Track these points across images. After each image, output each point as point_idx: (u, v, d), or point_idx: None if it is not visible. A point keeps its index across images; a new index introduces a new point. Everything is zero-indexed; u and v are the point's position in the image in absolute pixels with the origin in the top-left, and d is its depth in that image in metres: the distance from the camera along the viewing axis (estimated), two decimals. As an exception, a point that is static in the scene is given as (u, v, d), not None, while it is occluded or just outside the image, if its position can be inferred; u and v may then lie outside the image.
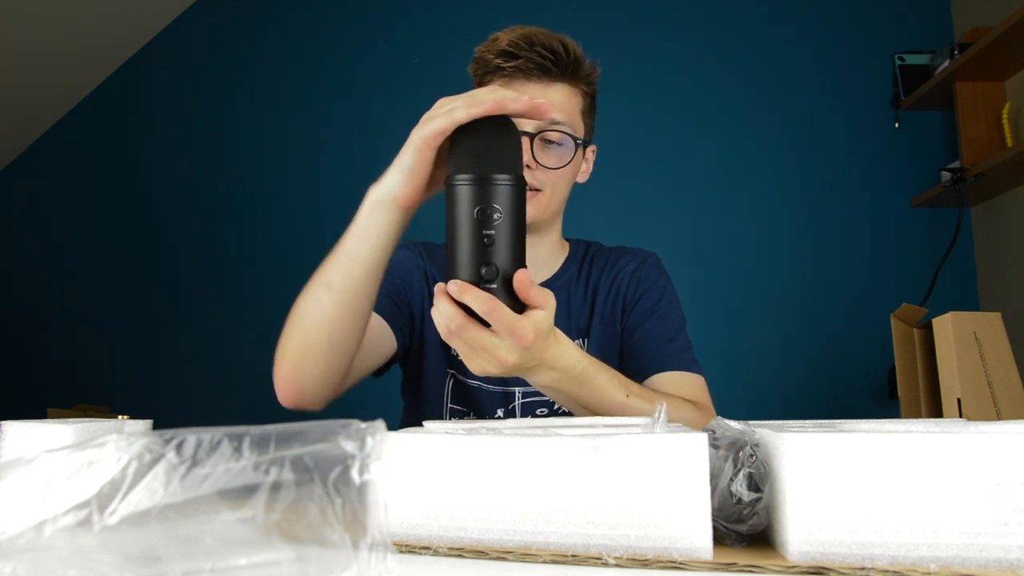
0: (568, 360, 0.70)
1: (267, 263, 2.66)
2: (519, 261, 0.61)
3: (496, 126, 0.63)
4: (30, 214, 2.98)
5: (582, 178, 1.06)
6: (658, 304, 1.02)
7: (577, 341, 1.03)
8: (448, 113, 0.62)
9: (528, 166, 0.93)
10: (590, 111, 1.02)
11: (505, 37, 0.95)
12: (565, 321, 1.04)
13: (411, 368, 1.06)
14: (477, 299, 0.58)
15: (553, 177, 0.95)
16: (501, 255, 0.59)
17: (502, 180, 0.60)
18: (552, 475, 0.46)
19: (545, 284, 1.05)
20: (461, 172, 0.61)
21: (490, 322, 0.59)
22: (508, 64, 0.93)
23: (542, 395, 1.00)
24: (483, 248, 0.59)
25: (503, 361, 0.62)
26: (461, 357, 0.64)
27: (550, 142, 0.95)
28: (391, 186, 0.69)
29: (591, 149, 1.06)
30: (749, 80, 2.37)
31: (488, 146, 0.62)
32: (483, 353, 0.62)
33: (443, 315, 0.60)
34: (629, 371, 1.00)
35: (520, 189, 0.61)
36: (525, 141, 0.92)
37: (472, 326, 0.60)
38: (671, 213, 2.35)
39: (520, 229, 0.61)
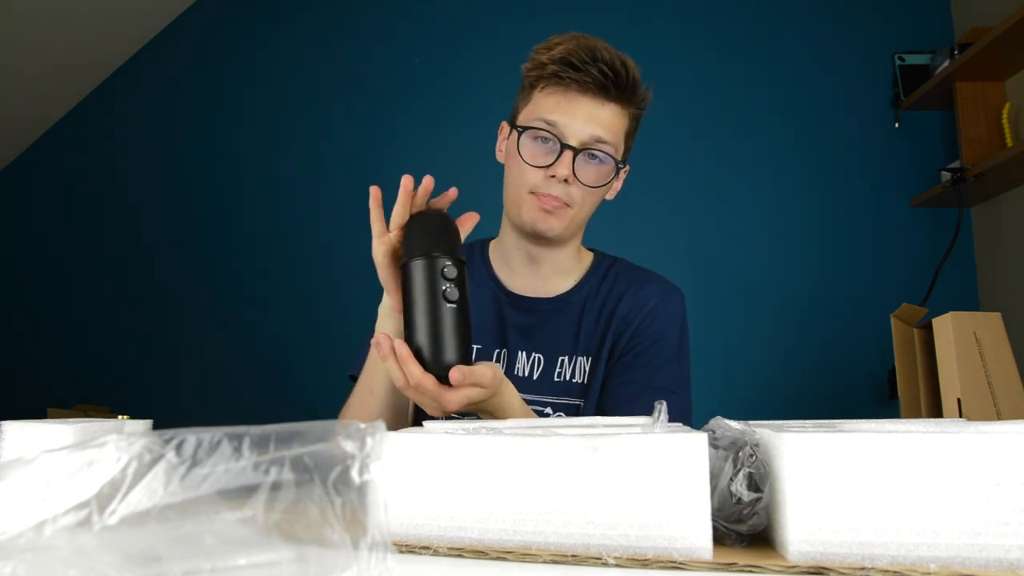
0: (510, 413, 0.82)
1: (267, 263, 2.66)
2: (460, 346, 0.74)
3: (433, 220, 0.79)
4: (30, 214, 2.98)
5: (610, 195, 1.05)
6: (655, 354, 1.01)
7: (581, 358, 1.02)
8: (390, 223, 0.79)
9: (566, 180, 0.93)
10: (632, 134, 1.01)
11: (565, 44, 0.94)
12: (573, 337, 1.03)
13: None
14: (425, 392, 0.74)
15: (586, 194, 0.95)
16: (448, 338, 0.74)
17: (447, 262, 0.75)
18: (552, 475, 0.46)
19: (562, 297, 1.06)
20: (411, 256, 0.75)
21: (439, 403, 0.75)
22: (567, 75, 0.92)
23: (543, 404, 1.01)
24: (432, 333, 0.74)
25: (446, 412, 0.77)
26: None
27: (593, 158, 0.94)
28: (385, 301, 0.86)
29: (624, 169, 1.05)
30: (749, 80, 2.37)
31: (430, 233, 0.77)
32: (431, 404, 0.76)
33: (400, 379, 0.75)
34: (598, 401, 1.01)
35: (461, 271, 0.75)
36: (567, 157, 0.92)
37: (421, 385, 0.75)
38: (671, 213, 2.35)
39: (462, 310, 0.75)
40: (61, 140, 2.95)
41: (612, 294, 1.05)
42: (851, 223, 2.25)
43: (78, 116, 2.94)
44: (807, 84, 2.33)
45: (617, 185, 1.05)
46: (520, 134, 0.96)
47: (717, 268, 2.29)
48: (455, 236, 0.79)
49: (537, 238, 0.99)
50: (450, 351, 0.74)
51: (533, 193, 0.95)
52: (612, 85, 0.92)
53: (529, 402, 1.01)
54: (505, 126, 1.04)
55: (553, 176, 0.93)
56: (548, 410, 1.01)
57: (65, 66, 2.74)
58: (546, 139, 0.94)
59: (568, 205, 0.95)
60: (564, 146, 0.92)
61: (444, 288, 0.74)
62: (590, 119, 0.92)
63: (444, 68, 2.59)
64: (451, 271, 0.75)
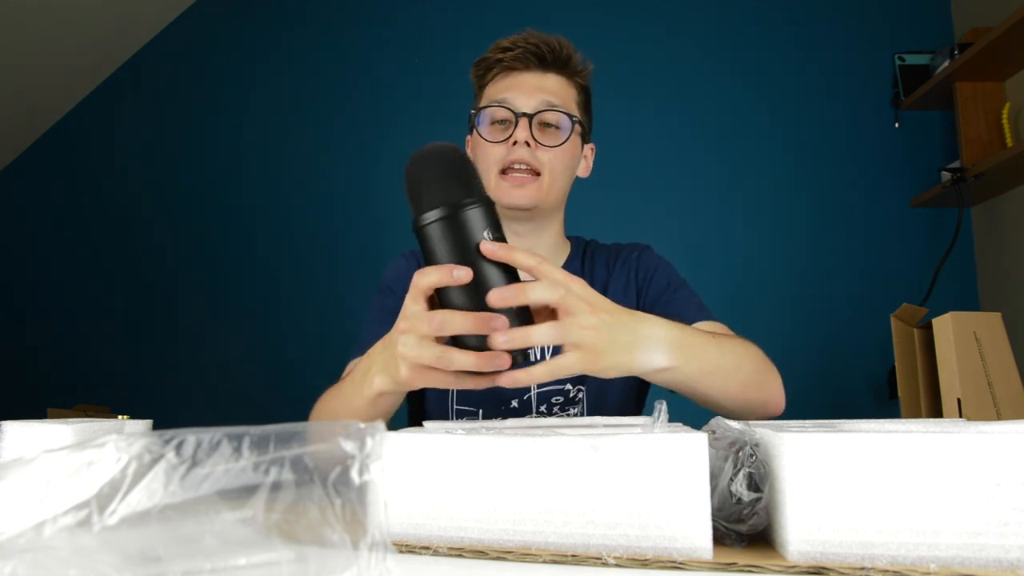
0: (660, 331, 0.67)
1: (267, 263, 2.66)
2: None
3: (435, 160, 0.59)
4: (30, 214, 2.98)
5: (583, 173, 1.07)
6: (669, 280, 1.05)
7: None
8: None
9: (528, 143, 0.95)
10: (585, 106, 1.04)
11: (505, 39, 1.01)
12: None
13: None
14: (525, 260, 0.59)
15: (552, 157, 0.97)
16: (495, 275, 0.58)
17: (471, 204, 0.57)
18: (552, 475, 0.46)
19: None
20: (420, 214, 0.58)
21: (539, 274, 0.59)
22: (505, 55, 0.98)
23: (558, 382, 1.00)
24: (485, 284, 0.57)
25: (593, 317, 0.60)
26: (563, 353, 0.61)
27: (547, 124, 0.98)
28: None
29: (590, 147, 1.08)
30: (749, 80, 2.37)
31: (438, 176, 0.58)
32: (577, 330, 0.59)
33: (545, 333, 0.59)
34: None
35: (486, 207, 0.59)
36: (523, 122, 0.95)
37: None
38: (670, 213, 2.35)
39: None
40: (61, 140, 2.95)
41: (596, 269, 1.08)
42: (851, 223, 2.25)
43: (78, 116, 2.94)
44: (807, 84, 2.33)
45: (587, 163, 1.08)
46: (478, 119, 1.00)
47: (716, 268, 2.29)
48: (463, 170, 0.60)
49: (519, 212, 0.99)
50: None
51: (502, 173, 0.97)
52: (547, 57, 0.98)
53: (538, 387, 1.01)
54: (470, 140, 1.07)
55: (515, 143, 0.95)
56: (559, 396, 1.00)
57: (65, 66, 2.74)
58: (501, 117, 0.98)
59: (538, 172, 0.97)
60: (519, 115, 0.96)
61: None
62: (537, 88, 0.98)
63: (444, 68, 2.59)
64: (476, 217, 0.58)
